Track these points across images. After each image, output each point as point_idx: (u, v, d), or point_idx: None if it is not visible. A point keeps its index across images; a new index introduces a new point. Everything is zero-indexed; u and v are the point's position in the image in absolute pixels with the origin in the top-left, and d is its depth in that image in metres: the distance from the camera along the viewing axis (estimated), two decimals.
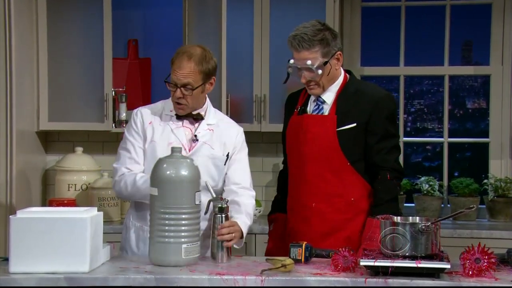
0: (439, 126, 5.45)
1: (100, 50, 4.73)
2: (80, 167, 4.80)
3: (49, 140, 5.05)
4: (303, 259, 2.99)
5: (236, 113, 4.76)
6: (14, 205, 4.36)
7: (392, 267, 2.73)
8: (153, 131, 3.31)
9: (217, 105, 4.52)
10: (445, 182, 5.08)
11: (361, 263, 2.76)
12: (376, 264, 2.74)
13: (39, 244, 2.78)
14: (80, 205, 4.68)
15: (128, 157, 3.31)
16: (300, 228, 3.36)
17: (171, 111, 3.35)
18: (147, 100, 5.06)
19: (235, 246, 3.13)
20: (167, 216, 2.91)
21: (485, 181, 4.93)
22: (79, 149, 4.86)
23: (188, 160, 2.97)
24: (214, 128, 3.35)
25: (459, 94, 5.66)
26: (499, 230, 4.48)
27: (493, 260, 2.74)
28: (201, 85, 3.25)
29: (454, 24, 5.13)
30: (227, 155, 3.33)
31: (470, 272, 2.74)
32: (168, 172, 2.91)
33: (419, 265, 2.72)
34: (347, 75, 3.38)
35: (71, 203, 4.63)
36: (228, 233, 3.06)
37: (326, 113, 3.30)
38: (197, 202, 2.95)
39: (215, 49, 4.54)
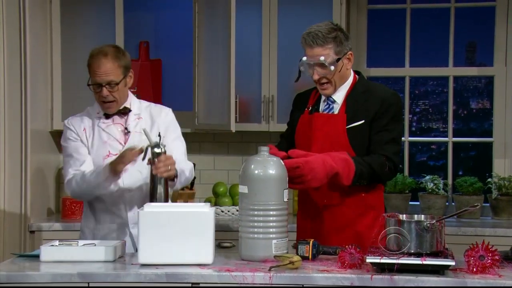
0: (444, 126, 5.44)
1: None
2: None
3: None
4: (310, 256, 2.98)
5: (245, 114, 4.77)
6: (28, 202, 4.37)
7: (398, 264, 2.72)
8: (87, 137, 3.39)
9: (226, 106, 4.53)
10: (450, 180, 5.06)
11: (367, 260, 2.75)
12: (382, 261, 2.73)
13: (165, 237, 2.83)
14: None
15: (72, 161, 3.36)
16: (311, 225, 3.36)
17: (98, 113, 3.41)
18: (157, 100, 5.05)
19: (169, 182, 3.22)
20: (256, 213, 2.93)
21: (489, 179, 4.91)
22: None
23: (275, 159, 2.98)
24: (142, 116, 3.42)
25: (463, 95, 5.65)
26: (502, 228, 4.46)
27: (497, 257, 2.73)
28: (123, 79, 3.34)
29: (458, 26, 5.11)
30: (159, 135, 3.32)
31: (474, 269, 2.73)
32: (256, 172, 2.93)
33: (424, 262, 2.71)
34: (356, 76, 3.39)
35: None
36: (164, 166, 3.12)
37: (336, 112, 3.31)
38: (285, 200, 2.97)
39: (224, 50, 4.55)
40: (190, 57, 4.86)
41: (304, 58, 3.27)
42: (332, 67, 3.25)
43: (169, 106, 5.07)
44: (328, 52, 3.24)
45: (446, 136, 5.18)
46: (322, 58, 3.23)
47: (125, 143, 3.36)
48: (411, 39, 5.15)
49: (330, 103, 3.35)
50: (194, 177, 4.73)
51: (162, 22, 5.15)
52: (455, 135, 5.17)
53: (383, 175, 3.26)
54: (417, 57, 5.19)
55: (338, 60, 3.26)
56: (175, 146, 3.42)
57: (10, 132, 4.33)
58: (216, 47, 4.65)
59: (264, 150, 3.00)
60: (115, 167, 3.20)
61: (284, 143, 3.50)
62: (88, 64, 3.34)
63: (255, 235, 2.94)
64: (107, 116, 3.40)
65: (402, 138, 5.12)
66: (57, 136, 4.96)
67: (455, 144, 5.17)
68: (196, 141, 5.04)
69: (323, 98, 3.38)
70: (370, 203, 3.32)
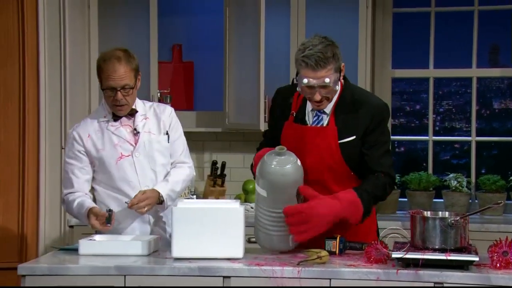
0: (467, 125, 5.39)
1: (147, 54, 4.77)
2: None
3: None
4: (337, 251, 2.98)
5: None
6: None
7: (423, 259, 2.70)
8: (94, 142, 3.32)
9: (255, 106, 4.54)
10: (473, 178, 5.01)
11: (393, 256, 2.74)
12: (407, 256, 2.72)
13: (197, 232, 2.85)
14: None
15: (68, 182, 3.34)
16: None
17: (105, 117, 3.35)
18: (190, 100, 5.09)
19: (159, 209, 3.29)
20: (273, 215, 2.94)
21: (511, 178, 4.85)
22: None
23: (292, 164, 2.90)
24: (148, 116, 3.39)
25: (486, 95, 5.59)
26: None
27: None
28: (136, 82, 3.29)
29: (482, 28, 5.06)
30: (167, 133, 3.37)
31: (498, 265, 2.71)
32: (276, 179, 2.88)
33: (449, 258, 2.69)
34: (341, 81, 3.15)
35: None
36: (139, 208, 3.17)
37: (325, 123, 3.12)
38: (301, 198, 2.96)
39: (254, 52, 4.55)
40: (221, 59, 4.87)
41: (305, 81, 2.99)
42: (337, 87, 3.05)
43: (200, 107, 5.15)
44: (330, 72, 2.99)
45: (470, 136, 5.13)
46: (327, 80, 2.98)
47: (135, 144, 3.31)
48: (435, 41, 5.10)
49: (319, 113, 3.13)
50: (225, 175, 4.74)
51: (194, 25, 5.17)
52: (478, 134, 5.12)
53: (386, 196, 3.13)
54: (441, 58, 5.15)
55: (339, 77, 3.06)
56: (175, 148, 3.41)
57: (50, 133, 4.38)
58: (246, 49, 4.66)
59: (282, 153, 2.90)
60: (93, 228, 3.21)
61: (269, 144, 3.23)
62: (99, 69, 3.25)
63: (271, 232, 2.96)
64: (115, 118, 3.34)
65: (427, 137, 5.15)
66: None
67: (478, 143, 5.12)
68: (226, 140, 5.05)
69: (309, 106, 3.15)
70: None
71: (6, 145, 4.31)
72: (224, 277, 2.76)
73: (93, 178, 3.36)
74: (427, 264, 2.71)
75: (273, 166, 2.89)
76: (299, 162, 2.94)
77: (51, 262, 2.89)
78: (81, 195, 3.29)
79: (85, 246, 2.98)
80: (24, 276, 2.80)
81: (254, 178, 3.06)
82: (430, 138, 5.14)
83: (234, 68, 4.77)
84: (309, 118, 3.15)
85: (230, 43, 4.77)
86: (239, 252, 2.87)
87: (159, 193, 3.25)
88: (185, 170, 3.43)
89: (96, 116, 3.39)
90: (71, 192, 3.32)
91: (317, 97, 3.03)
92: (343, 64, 3.08)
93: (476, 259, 2.69)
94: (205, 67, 5.14)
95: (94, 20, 4.77)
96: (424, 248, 2.74)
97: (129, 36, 4.80)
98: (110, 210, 3.14)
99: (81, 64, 4.69)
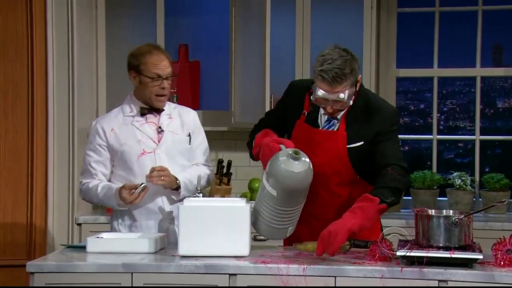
0: (471, 124, 5.38)
1: None
2: None
3: None
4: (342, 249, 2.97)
5: None
6: (75, 197, 4.42)
7: (427, 257, 2.70)
8: (117, 136, 3.34)
9: (261, 105, 4.53)
10: (477, 177, 5.00)
11: (397, 253, 2.74)
12: (412, 254, 2.71)
13: (204, 230, 2.86)
14: None
15: (87, 173, 3.37)
16: (305, 233, 3.15)
17: (131, 112, 3.38)
18: (196, 99, 5.08)
19: (172, 197, 3.29)
20: (278, 211, 2.94)
21: None
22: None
23: (307, 169, 2.87)
24: (173, 116, 3.42)
25: (490, 94, 5.58)
26: None
27: None
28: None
29: (485, 28, 5.05)
30: (189, 135, 3.40)
31: (502, 263, 2.70)
32: (289, 183, 2.85)
33: (453, 256, 2.69)
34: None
35: None
36: (157, 176, 3.19)
37: (336, 128, 3.11)
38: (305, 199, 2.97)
39: (259, 52, 4.55)
40: (227, 59, 4.87)
41: (320, 93, 2.96)
42: (351, 102, 3.01)
43: (206, 106, 5.15)
44: (347, 88, 2.96)
45: (474, 134, 5.12)
46: (342, 95, 2.95)
47: (158, 142, 3.34)
48: (440, 41, 5.09)
49: (331, 118, 3.11)
50: (231, 173, 4.74)
51: (200, 25, 5.16)
52: (482, 133, 5.11)
53: (402, 184, 3.02)
54: (445, 58, 5.14)
55: (354, 91, 3.02)
56: (198, 152, 3.45)
57: (58, 131, 4.39)
58: (251, 49, 4.66)
59: (297, 158, 2.85)
60: (123, 201, 3.22)
61: (270, 126, 3.22)
62: (140, 61, 3.31)
63: (274, 225, 2.97)
64: (141, 114, 3.37)
65: (431, 136, 5.14)
66: None
67: (482, 142, 5.11)
68: (232, 139, 5.05)
69: (322, 109, 3.11)
70: None
71: (15, 144, 4.32)
72: (230, 274, 2.76)
73: (112, 173, 3.37)
74: (431, 262, 2.70)
75: (288, 170, 2.84)
76: (311, 165, 2.92)
77: (59, 259, 2.90)
78: (102, 180, 3.34)
79: (93, 243, 2.99)
80: (32, 273, 2.80)
81: (251, 157, 3.10)
82: (434, 137, 5.13)
83: (240, 67, 4.77)
84: (321, 121, 3.14)
85: (236, 43, 4.77)
86: (245, 250, 2.87)
87: (176, 178, 3.28)
88: (205, 169, 3.45)
89: (122, 110, 3.42)
90: (89, 181, 3.35)
91: (330, 109, 3.02)
92: (360, 76, 3.04)
93: (480, 257, 2.69)
94: (211, 67, 5.14)
95: (102, 20, 4.78)
96: (428, 246, 2.74)
97: (136, 36, 4.80)
98: (143, 184, 3.18)
99: (88, 63, 4.70)
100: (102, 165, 3.36)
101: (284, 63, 4.79)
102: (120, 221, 3.39)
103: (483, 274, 2.64)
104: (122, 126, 3.36)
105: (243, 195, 4.88)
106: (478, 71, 5.08)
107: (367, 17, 4.66)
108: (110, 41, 4.80)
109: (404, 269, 2.69)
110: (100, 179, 3.35)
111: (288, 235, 3.05)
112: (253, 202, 4.70)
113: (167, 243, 3.15)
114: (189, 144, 3.41)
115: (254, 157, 3.17)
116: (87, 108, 4.68)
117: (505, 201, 2.93)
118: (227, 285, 2.75)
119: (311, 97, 3.03)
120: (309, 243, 2.92)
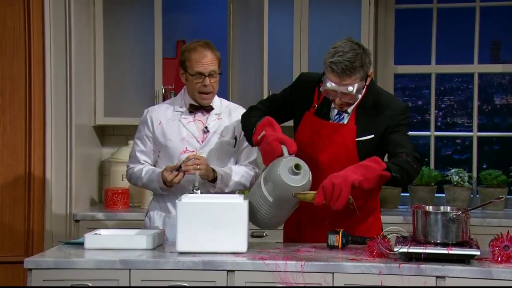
0: (469, 121, 5.38)
1: (151, 51, 4.76)
2: None
3: (105, 134, 5.09)
4: (340, 246, 2.98)
5: None
6: (73, 193, 4.42)
7: (425, 253, 2.70)
8: (164, 130, 3.34)
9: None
10: (474, 173, 5.00)
11: (395, 250, 2.73)
12: (410, 250, 2.71)
13: (202, 226, 2.85)
14: (132, 194, 4.73)
15: (133, 159, 3.42)
16: (310, 226, 3.19)
17: (181, 107, 3.37)
18: None
19: (209, 189, 3.26)
20: (272, 213, 2.95)
21: None
22: (132, 142, 4.89)
23: (306, 183, 2.88)
24: (222, 117, 3.38)
25: (487, 91, 5.57)
26: None
27: None
28: (220, 72, 3.33)
29: (483, 24, 5.04)
30: (235, 138, 3.37)
31: (499, 259, 2.71)
32: (287, 195, 2.86)
33: (450, 252, 2.69)
34: (366, 84, 3.11)
35: (125, 192, 4.68)
36: (193, 165, 3.16)
37: (346, 121, 3.11)
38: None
39: (257, 49, 4.54)
40: (225, 56, 4.85)
41: (329, 85, 2.96)
42: (359, 95, 3.02)
43: None
44: (356, 81, 2.96)
45: (471, 131, 5.12)
46: (350, 88, 2.95)
47: (202, 142, 3.33)
48: (437, 37, 5.09)
49: (341, 112, 3.11)
50: None
51: (198, 22, 5.15)
52: (479, 129, 5.11)
53: (414, 171, 3.01)
54: (443, 54, 5.14)
55: (364, 85, 3.02)
56: (247, 154, 3.42)
57: (56, 127, 4.38)
58: (249, 46, 4.65)
59: (297, 172, 2.86)
60: (165, 182, 3.23)
61: (271, 111, 3.21)
62: (185, 58, 3.30)
63: (268, 220, 2.99)
64: (190, 112, 3.35)
65: (428, 133, 5.14)
66: (100, 130, 5.01)
67: (479, 138, 5.11)
68: None
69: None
70: (370, 207, 3.19)
71: (13, 141, 4.32)
72: (228, 271, 2.76)
73: (157, 162, 3.40)
74: (429, 258, 2.70)
75: (286, 184, 2.85)
76: (311, 176, 2.91)
77: (57, 255, 2.89)
78: (147, 165, 3.36)
79: (91, 240, 2.98)
80: (30, 269, 2.80)
81: (249, 141, 3.10)
82: (432, 133, 5.13)
83: (238, 64, 4.76)
84: (332, 114, 3.14)
85: (233, 40, 4.76)
86: (243, 246, 2.87)
87: (213, 169, 3.25)
88: (250, 170, 3.41)
89: (173, 104, 3.41)
90: (134, 166, 3.38)
91: (338, 101, 3.02)
92: (371, 71, 3.04)
93: (478, 253, 2.69)
94: None
95: (99, 16, 4.77)
96: (426, 242, 2.74)
97: (133, 32, 4.80)
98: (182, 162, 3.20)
99: (86, 60, 4.69)
100: (146, 155, 3.39)
101: (282, 59, 4.78)
102: (156, 211, 3.41)
103: (480, 270, 2.64)
104: (170, 120, 3.36)
105: (241, 192, 4.88)
106: (476, 68, 5.07)
107: (365, 14, 4.66)
108: (108, 38, 4.79)
109: (401, 265, 2.69)
110: (143, 164, 3.39)
111: (277, 227, 3.10)
112: None
113: (165, 240, 3.15)
114: (234, 147, 3.38)
115: (253, 144, 3.12)
116: (85, 104, 4.67)
117: (502, 197, 2.93)
118: (225, 282, 2.75)
119: (321, 88, 3.03)
120: (308, 192, 2.85)
